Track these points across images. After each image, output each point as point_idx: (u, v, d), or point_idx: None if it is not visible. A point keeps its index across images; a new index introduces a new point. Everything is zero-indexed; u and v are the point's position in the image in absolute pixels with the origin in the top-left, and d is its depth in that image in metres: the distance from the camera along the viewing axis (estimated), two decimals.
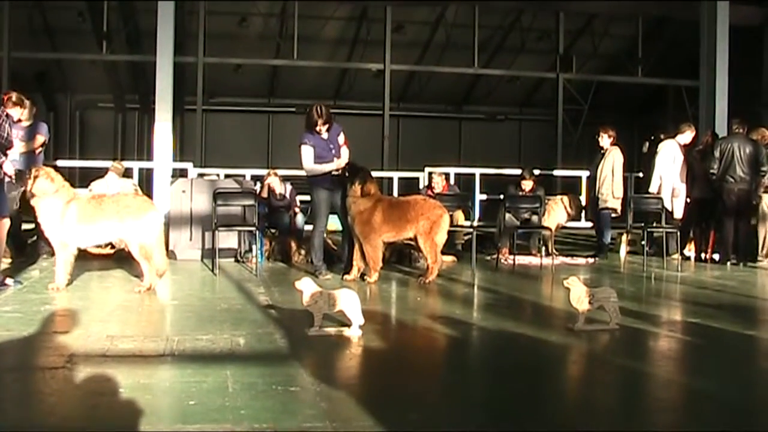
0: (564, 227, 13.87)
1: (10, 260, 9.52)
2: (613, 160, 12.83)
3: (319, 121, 9.84)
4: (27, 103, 10.30)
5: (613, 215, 13.00)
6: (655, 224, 12.68)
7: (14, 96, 9.74)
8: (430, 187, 13.92)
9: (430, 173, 14.89)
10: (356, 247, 9.69)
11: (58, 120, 25.96)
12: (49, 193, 8.32)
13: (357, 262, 9.68)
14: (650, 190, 13.03)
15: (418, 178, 16.16)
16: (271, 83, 26.81)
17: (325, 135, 9.97)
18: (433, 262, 9.68)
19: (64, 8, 21.41)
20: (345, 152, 10.12)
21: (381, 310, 7.87)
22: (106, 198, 8.91)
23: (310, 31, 22.51)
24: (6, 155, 8.49)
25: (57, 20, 22.13)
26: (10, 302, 7.61)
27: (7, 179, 8.45)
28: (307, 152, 10.02)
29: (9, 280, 8.59)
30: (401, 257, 11.44)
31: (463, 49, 23.45)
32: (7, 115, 8.65)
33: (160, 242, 8.69)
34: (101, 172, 12.58)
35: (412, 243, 10.28)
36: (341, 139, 10.16)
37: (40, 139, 10.91)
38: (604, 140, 13.03)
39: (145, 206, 8.69)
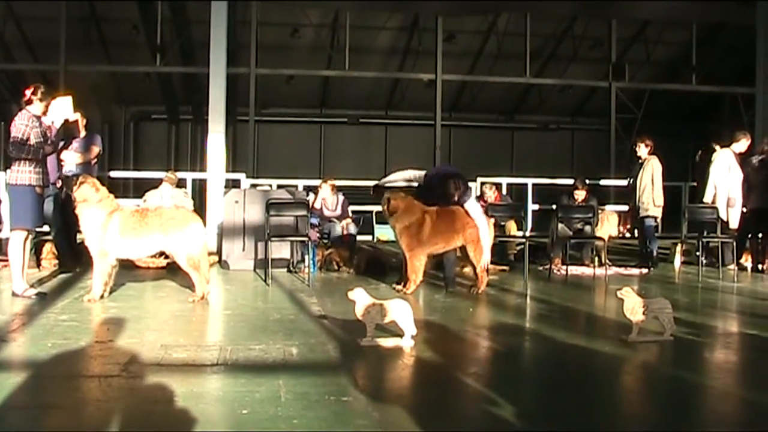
0: (617, 237, 13.71)
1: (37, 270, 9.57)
2: (652, 169, 12.72)
3: None
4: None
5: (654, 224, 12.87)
6: (710, 234, 12.49)
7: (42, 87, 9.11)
8: (482, 197, 13.86)
9: (482, 183, 14.83)
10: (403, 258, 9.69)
11: (113, 131, 26.34)
12: (92, 201, 8.43)
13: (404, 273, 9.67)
14: (704, 199, 12.86)
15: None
16: (323, 94, 26.91)
17: None
18: (482, 271, 9.66)
19: (118, 21, 21.70)
20: None
21: (433, 320, 7.83)
22: (150, 211, 8.99)
23: (361, 41, 22.57)
24: (60, 161, 8.63)
25: (112, 33, 22.44)
26: (67, 311, 7.72)
27: (52, 188, 8.57)
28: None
29: (30, 291, 8.68)
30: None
31: (514, 58, 23.34)
32: (36, 119, 8.69)
33: (204, 254, 8.75)
34: (155, 183, 12.71)
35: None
36: None
37: (95, 150, 11.08)
38: (642, 150, 12.93)
39: (188, 218, 8.76)
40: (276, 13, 21.60)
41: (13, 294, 8.59)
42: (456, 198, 9.54)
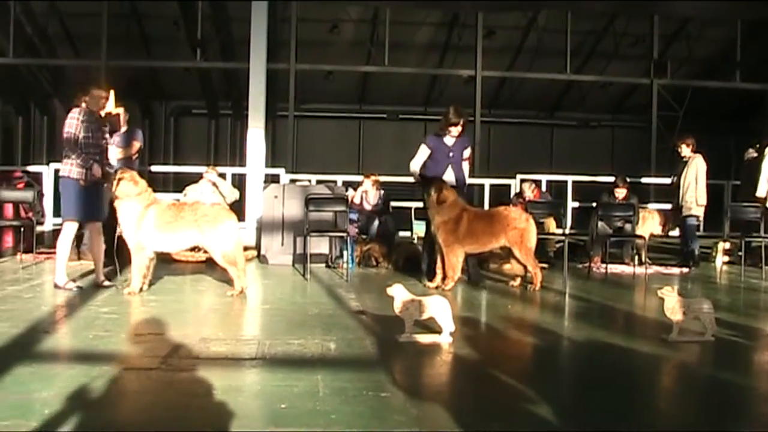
0: (658, 236, 13.58)
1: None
2: (696, 168, 12.59)
3: (454, 122, 9.83)
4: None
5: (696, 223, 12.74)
6: (753, 233, 12.34)
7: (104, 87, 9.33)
8: (521, 194, 13.80)
9: (521, 181, 14.76)
10: (439, 254, 9.65)
11: (153, 126, 26.54)
12: (131, 195, 8.50)
13: (440, 270, 9.63)
14: (758, 194, 12.68)
15: (509, 186, 16.02)
16: (362, 89, 26.91)
17: (450, 141, 9.97)
18: (534, 268, 9.62)
19: (159, 17, 21.84)
20: (466, 168, 10.12)
21: (471, 316, 7.81)
22: (186, 205, 9.06)
23: (401, 37, 22.52)
24: (101, 157, 8.71)
25: (152, 29, 22.60)
26: (108, 304, 7.80)
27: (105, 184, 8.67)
28: (420, 153, 10.05)
29: (71, 284, 8.79)
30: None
31: (555, 54, 23.17)
32: (91, 114, 8.79)
33: (239, 249, 8.77)
34: (195, 178, 12.79)
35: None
36: (466, 153, 10.13)
37: (136, 145, 11.15)
38: (684, 150, 12.81)
39: (222, 215, 8.80)
40: (315, 10, 21.62)
41: (55, 286, 8.69)
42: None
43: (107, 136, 8.97)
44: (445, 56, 24.70)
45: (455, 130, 9.95)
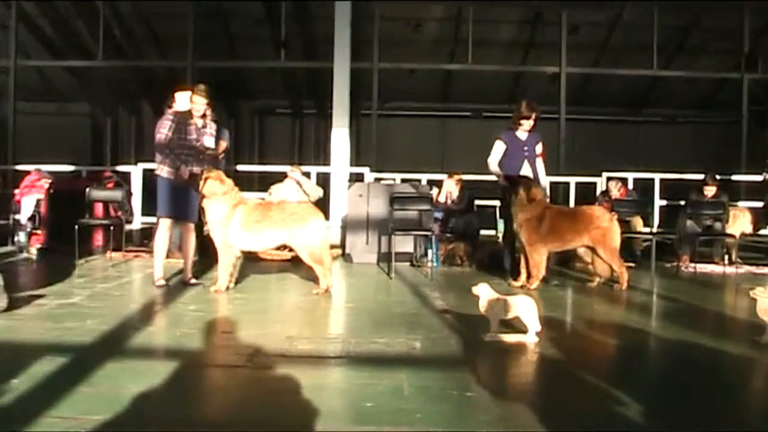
0: (749, 235, 13.25)
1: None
2: None
3: (526, 115, 9.79)
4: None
5: None
6: None
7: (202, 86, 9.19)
8: (606, 193, 13.60)
9: (607, 179, 14.55)
10: (523, 253, 9.57)
11: (239, 126, 26.84)
12: (218, 195, 8.61)
13: (524, 269, 9.54)
14: None
15: (595, 184, 15.80)
16: (445, 88, 26.81)
17: (523, 135, 9.91)
18: (619, 267, 9.47)
19: (243, 17, 22.05)
20: (540, 165, 10.03)
21: (557, 316, 7.72)
22: (273, 204, 9.14)
23: (484, 34, 22.35)
24: (194, 158, 8.83)
25: (237, 29, 22.83)
26: (195, 302, 7.92)
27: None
28: (496, 149, 10.00)
29: (161, 281, 8.94)
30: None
31: (641, 50, 22.77)
32: (181, 115, 8.92)
33: (326, 248, 8.81)
34: (280, 177, 12.89)
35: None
36: (539, 148, 10.06)
37: (223, 144, 11.28)
38: None
39: (310, 213, 8.85)
40: (398, 8, 21.61)
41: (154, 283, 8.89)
42: None
43: (204, 136, 9.01)
44: (528, 53, 24.46)
45: (527, 124, 9.90)
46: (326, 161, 16.47)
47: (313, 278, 8.84)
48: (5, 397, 4.46)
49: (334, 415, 4.27)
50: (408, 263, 11.62)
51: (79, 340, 6.02)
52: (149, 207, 12.37)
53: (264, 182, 13.94)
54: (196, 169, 8.82)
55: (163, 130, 8.80)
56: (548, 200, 9.83)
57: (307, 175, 13.34)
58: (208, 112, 9.08)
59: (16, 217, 12.24)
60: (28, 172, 13.07)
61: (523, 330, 6.28)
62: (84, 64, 22.06)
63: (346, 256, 12.06)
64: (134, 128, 26.75)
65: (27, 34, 20.87)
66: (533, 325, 6.24)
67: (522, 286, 9.27)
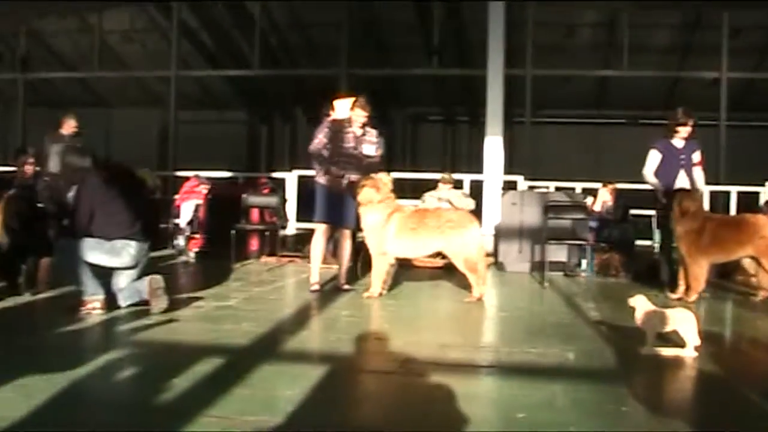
0: None
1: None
2: None
3: (682, 122, 9.53)
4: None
5: None
6: None
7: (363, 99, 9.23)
8: None
9: None
10: (682, 264, 9.24)
11: (391, 133, 27.05)
12: (373, 202, 8.65)
13: (683, 281, 9.21)
14: None
15: (758, 193, 15.16)
16: (599, 94, 26.31)
17: (679, 143, 9.64)
18: None
19: (396, 26, 22.20)
20: (699, 173, 9.72)
21: (717, 331, 7.43)
22: (429, 211, 9.13)
23: (639, 39, 21.83)
24: (351, 165, 8.91)
25: (390, 37, 23.01)
26: (348, 307, 7.98)
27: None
28: (651, 158, 9.75)
29: (316, 287, 9.01)
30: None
31: None
32: (338, 123, 9.02)
33: (481, 255, 8.74)
34: (432, 184, 12.89)
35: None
36: (696, 156, 9.76)
37: (379, 151, 11.34)
38: None
39: (466, 220, 8.79)
40: (552, 14, 21.34)
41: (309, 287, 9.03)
42: None
43: (363, 144, 9.07)
44: (685, 58, 23.73)
45: (684, 131, 9.58)
46: (479, 169, 16.39)
47: (466, 286, 8.78)
48: (165, 394, 4.59)
49: (485, 425, 4.22)
50: (561, 273, 11.41)
51: (235, 342, 6.14)
52: (303, 213, 12.60)
53: (416, 189, 13.98)
54: (354, 177, 8.87)
55: (319, 136, 8.93)
56: (707, 210, 9.46)
57: (460, 183, 13.30)
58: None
59: (176, 221, 12.67)
60: (187, 178, 13.51)
61: (681, 344, 6.05)
62: (241, 73, 22.70)
63: (498, 265, 11.96)
64: (289, 135, 27.32)
65: (187, 45, 21.66)
66: (692, 339, 6.01)
67: (680, 299, 8.96)
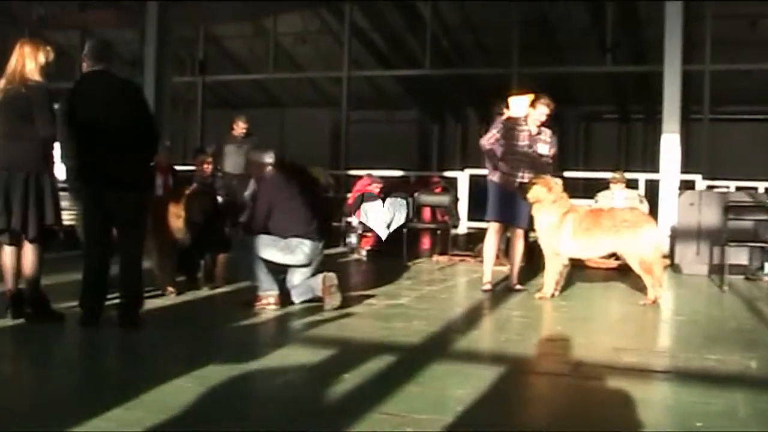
0: None
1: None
2: None
3: None
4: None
5: None
6: None
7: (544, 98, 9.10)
8: None
9: None
10: None
11: (563, 132, 26.65)
12: (545, 201, 8.53)
13: None
14: None
15: None
16: None
17: None
18: None
19: (568, 22, 21.82)
20: None
21: None
22: (603, 212, 8.96)
23: None
24: (528, 165, 8.82)
25: (562, 35, 22.66)
26: (520, 308, 7.94)
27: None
28: None
29: (520, 286, 8.95)
30: None
31: None
32: (513, 121, 8.95)
33: (657, 257, 8.49)
34: (605, 184, 12.65)
35: None
36: None
37: (552, 151, 11.19)
38: None
39: (642, 220, 8.56)
40: (732, 6, 20.53)
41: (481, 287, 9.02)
42: None
43: (538, 143, 8.98)
44: None
45: None
46: (654, 168, 15.96)
47: (641, 288, 8.54)
48: (335, 390, 4.66)
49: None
50: (742, 276, 10.96)
51: (406, 340, 6.18)
52: (475, 212, 12.60)
53: (588, 189, 13.75)
54: (527, 176, 8.77)
55: (493, 131, 8.90)
56: None
57: (635, 183, 12.97)
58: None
59: (348, 219, 12.90)
60: (359, 177, 13.72)
61: None
62: (412, 73, 22.89)
63: (674, 267, 11.60)
64: (460, 134, 27.34)
65: (359, 46, 21.98)
66: None
67: None
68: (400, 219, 12.07)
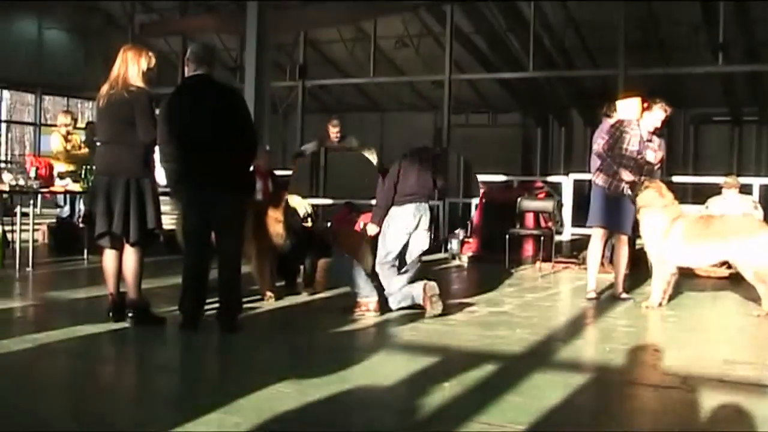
0: None
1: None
2: None
3: None
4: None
5: None
6: None
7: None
8: None
9: None
10: None
11: (671, 135, 25.95)
12: (655, 207, 8.23)
13: None
14: None
15: None
16: None
17: None
18: None
19: (677, 22, 21.25)
20: None
21: None
22: (715, 218, 8.62)
23: None
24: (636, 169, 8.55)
25: (670, 35, 22.11)
26: (625, 317, 7.70)
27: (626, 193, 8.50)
28: None
29: (626, 295, 8.68)
30: None
31: None
32: (625, 124, 8.67)
33: None
34: (716, 189, 12.22)
35: None
36: None
37: (659, 155, 10.86)
38: None
39: (756, 227, 8.16)
40: None
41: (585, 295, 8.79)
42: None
43: (647, 150, 8.70)
44: None
45: None
46: None
47: (754, 298, 8.16)
48: (435, 398, 4.60)
49: None
50: None
51: (508, 348, 6.08)
52: (579, 218, 12.33)
53: (698, 195, 13.34)
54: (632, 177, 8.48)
55: (604, 137, 8.64)
56: None
57: (748, 188, 12.50)
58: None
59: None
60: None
61: None
62: (515, 75, 22.71)
63: None
64: (564, 138, 26.98)
65: (460, 48, 21.86)
66: None
67: None
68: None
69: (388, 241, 7.33)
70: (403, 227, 7.35)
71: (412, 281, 7.42)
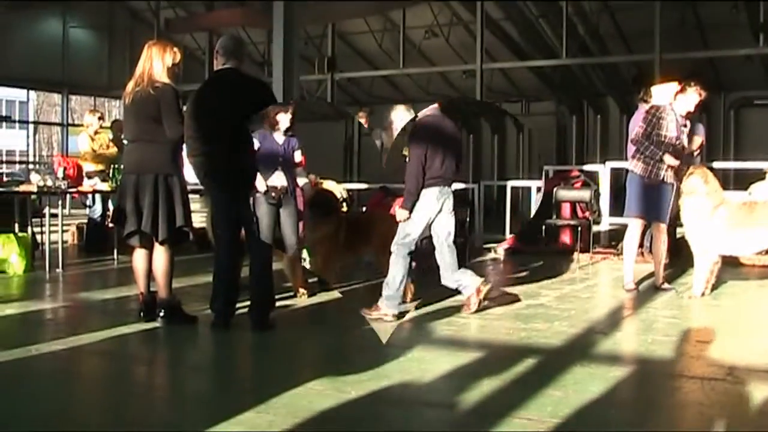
0: None
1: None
2: None
3: None
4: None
5: None
6: None
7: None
8: None
9: None
10: None
11: (711, 120, 25.54)
12: (698, 193, 8.02)
13: None
14: None
15: None
16: None
17: None
18: None
19: (715, 4, 20.88)
20: None
21: None
22: (759, 204, 8.39)
23: None
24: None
25: (708, 16, 21.72)
26: (667, 307, 7.54)
27: (669, 180, 8.29)
28: None
29: (631, 284, 8.50)
30: None
31: None
32: (663, 110, 8.47)
33: None
34: (759, 174, 11.98)
35: None
36: None
37: (698, 140, 10.67)
38: None
39: None
40: None
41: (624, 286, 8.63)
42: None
43: (683, 134, 8.52)
44: None
45: None
46: None
47: None
48: (475, 393, 4.56)
49: None
50: None
51: (547, 341, 6.00)
52: (617, 207, 12.14)
53: (740, 180, 13.08)
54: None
55: (641, 124, 8.43)
56: None
57: None
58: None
59: None
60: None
61: None
62: (548, 63, 22.51)
63: None
64: (599, 126, 26.70)
65: (491, 37, 21.68)
66: None
67: None
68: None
69: (410, 224, 7.18)
70: (426, 211, 7.21)
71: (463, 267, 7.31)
